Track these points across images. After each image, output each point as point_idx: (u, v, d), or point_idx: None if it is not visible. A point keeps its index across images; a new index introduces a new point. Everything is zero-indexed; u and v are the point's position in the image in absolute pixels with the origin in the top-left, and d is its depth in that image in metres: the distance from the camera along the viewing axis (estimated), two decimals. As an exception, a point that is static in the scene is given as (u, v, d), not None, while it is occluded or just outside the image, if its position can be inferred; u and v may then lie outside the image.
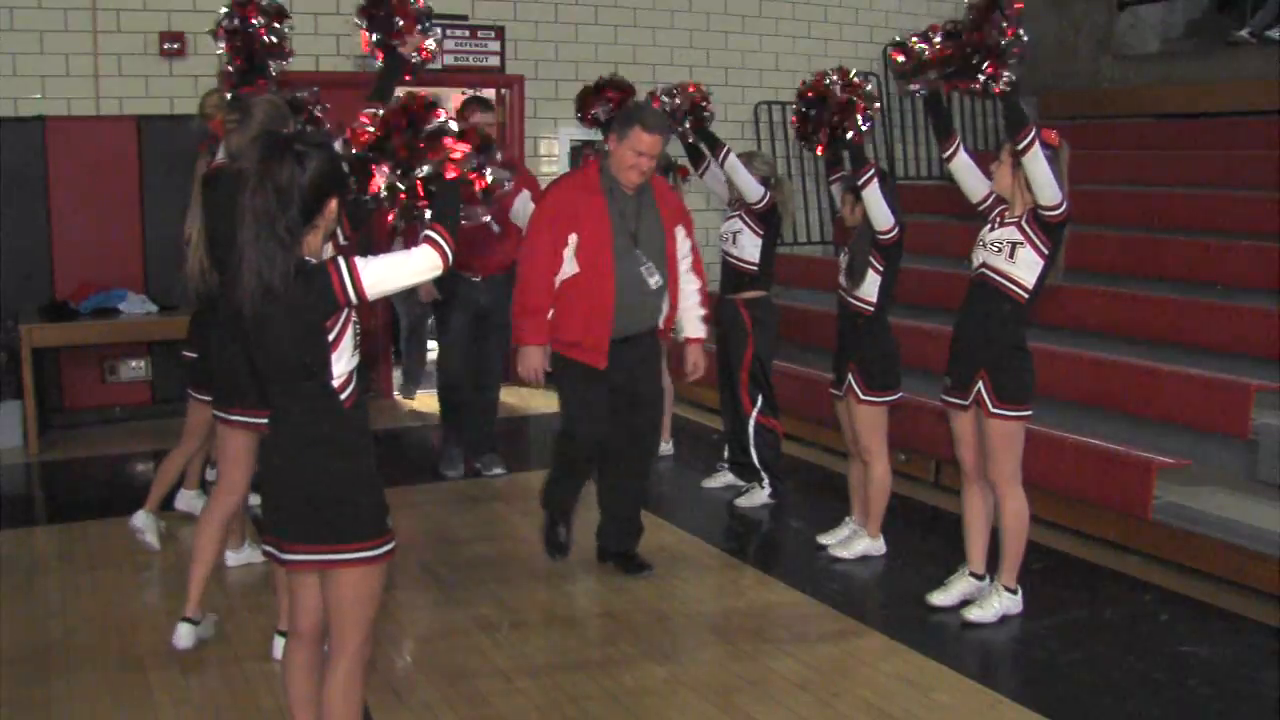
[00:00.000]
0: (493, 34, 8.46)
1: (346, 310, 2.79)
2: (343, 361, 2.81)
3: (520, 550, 5.35)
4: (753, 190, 5.73)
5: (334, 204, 2.83)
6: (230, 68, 4.49)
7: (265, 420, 3.74)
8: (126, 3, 7.40)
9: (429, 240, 2.88)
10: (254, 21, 4.40)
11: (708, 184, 6.14)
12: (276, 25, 4.45)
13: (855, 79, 4.84)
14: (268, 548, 2.95)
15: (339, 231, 3.51)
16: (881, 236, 4.83)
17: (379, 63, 4.18)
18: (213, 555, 4.21)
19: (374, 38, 4.16)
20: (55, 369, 7.46)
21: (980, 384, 4.30)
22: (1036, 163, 4.06)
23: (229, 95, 4.49)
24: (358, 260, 2.76)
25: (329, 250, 3.34)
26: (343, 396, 2.83)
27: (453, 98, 7.23)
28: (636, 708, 3.80)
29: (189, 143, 6.83)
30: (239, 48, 4.42)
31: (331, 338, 2.78)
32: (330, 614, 2.91)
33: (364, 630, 2.93)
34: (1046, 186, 4.09)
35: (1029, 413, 4.34)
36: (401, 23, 4.08)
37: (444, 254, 2.87)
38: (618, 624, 4.51)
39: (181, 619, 4.16)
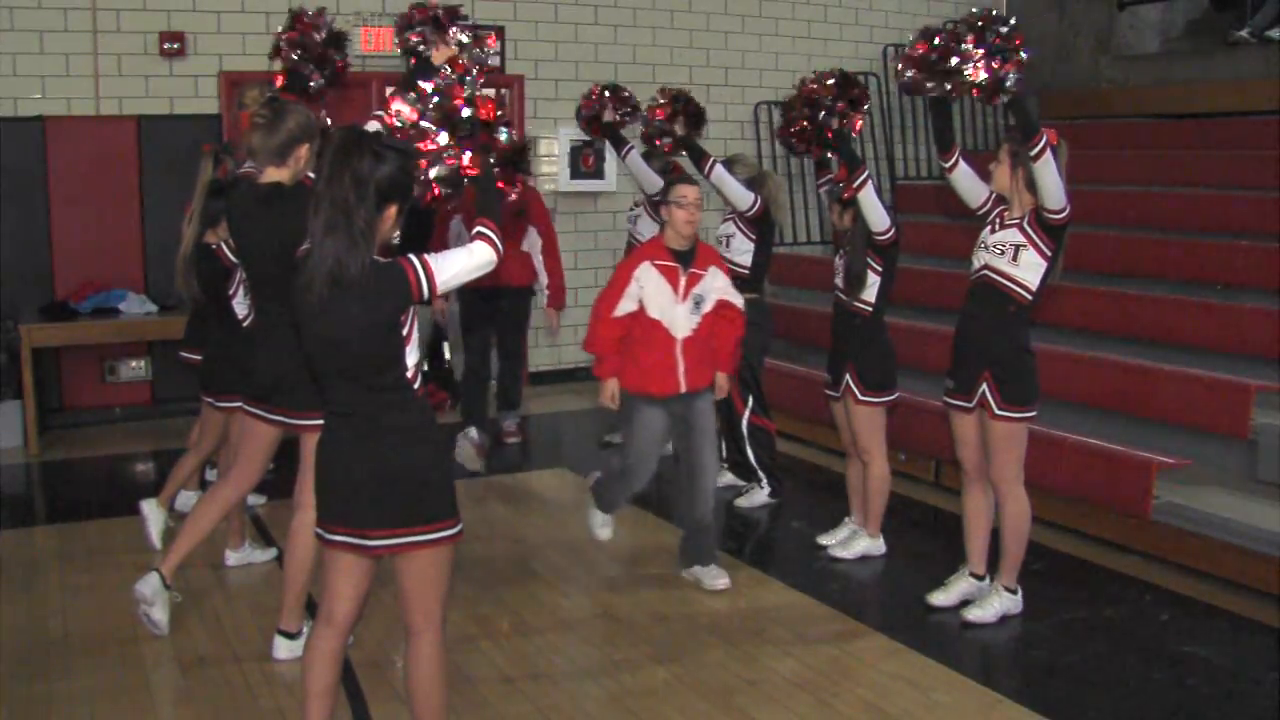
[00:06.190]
0: (493, 34, 8.45)
1: (415, 306, 2.90)
2: (413, 354, 2.93)
3: (520, 550, 5.36)
4: (742, 199, 5.75)
5: (393, 211, 2.89)
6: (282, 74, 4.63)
7: (300, 420, 3.77)
8: (126, 3, 7.39)
9: (482, 236, 3.04)
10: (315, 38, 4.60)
11: (712, 183, 6.13)
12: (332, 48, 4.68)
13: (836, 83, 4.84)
14: (338, 536, 2.96)
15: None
16: (879, 238, 4.83)
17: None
18: (204, 533, 4.26)
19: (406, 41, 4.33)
20: (55, 369, 7.46)
21: (985, 386, 4.30)
22: (1047, 168, 4.06)
23: (269, 94, 4.54)
24: (429, 257, 2.88)
25: None
26: (415, 386, 2.95)
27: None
28: (637, 708, 3.80)
29: (189, 143, 6.90)
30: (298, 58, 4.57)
31: (405, 332, 2.89)
32: (410, 595, 3.02)
33: (444, 606, 3.06)
34: (1054, 190, 4.08)
35: (1034, 414, 4.34)
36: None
37: (497, 248, 3.05)
38: (618, 625, 4.51)
39: (156, 570, 4.21)
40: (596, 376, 4.87)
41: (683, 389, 4.72)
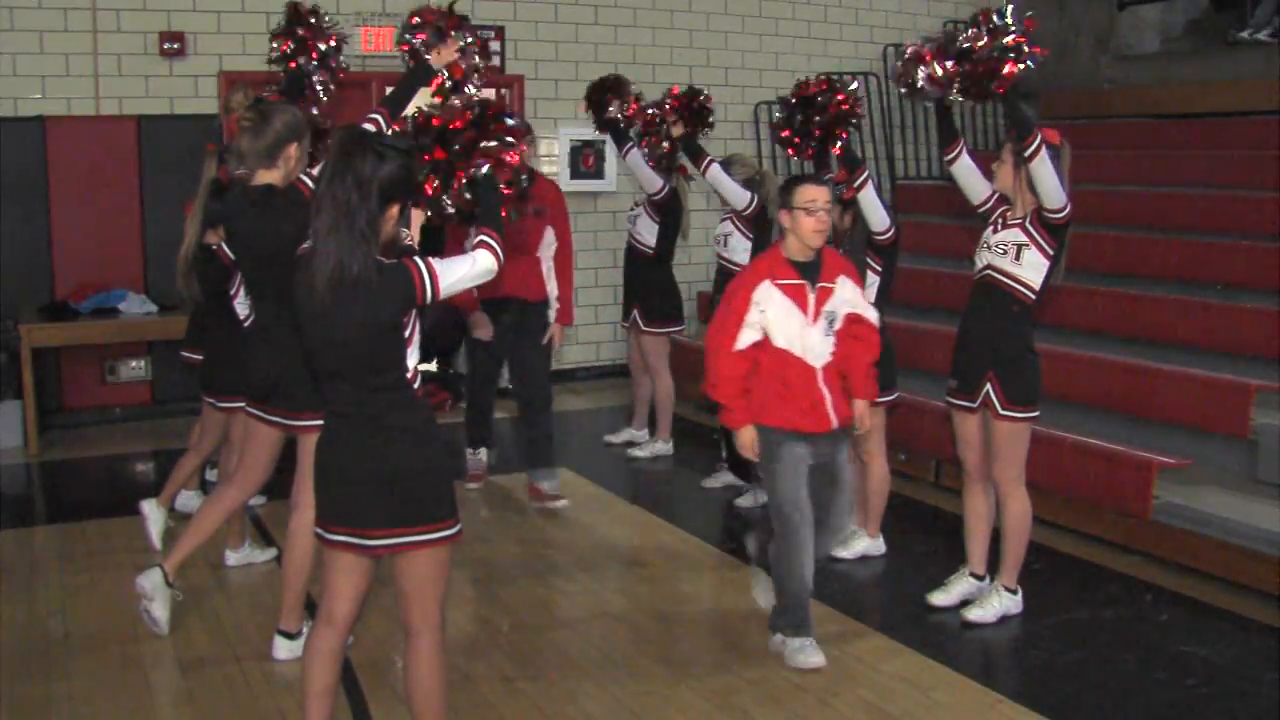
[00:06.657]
0: (493, 34, 8.45)
1: (416, 309, 2.92)
2: (413, 356, 2.94)
3: (521, 550, 5.35)
4: (738, 198, 5.76)
5: (395, 211, 2.90)
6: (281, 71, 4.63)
7: (298, 421, 3.77)
8: (126, 3, 7.39)
9: (484, 245, 3.07)
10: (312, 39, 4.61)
11: (709, 182, 6.13)
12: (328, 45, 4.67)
13: (841, 88, 4.84)
14: (338, 536, 2.97)
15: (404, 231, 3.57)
16: (879, 238, 4.83)
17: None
18: (207, 533, 4.27)
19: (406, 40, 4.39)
20: (55, 369, 7.46)
21: (989, 386, 4.30)
22: (1043, 167, 4.05)
23: (255, 98, 4.55)
24: (434, 261, 2.91)
25: None
26: (415, 387, 2.96)
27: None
28: (637, 708, 3.80)
29: (189, 142, 6.90)
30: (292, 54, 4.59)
31: (406, 333, 2.90)
32: (409, 595, 3.04)
33: (443, 606, 3.08)
34: (1052, 190, 4.08)
35: (1037, 414, 4.34)
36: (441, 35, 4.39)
37: (498, 256, 3.08)
38: (618, 624, 4.51)
39: (159, 565, 4.21)
40: (725, 426, 4.21)
41: (834, 424, 4.03)
